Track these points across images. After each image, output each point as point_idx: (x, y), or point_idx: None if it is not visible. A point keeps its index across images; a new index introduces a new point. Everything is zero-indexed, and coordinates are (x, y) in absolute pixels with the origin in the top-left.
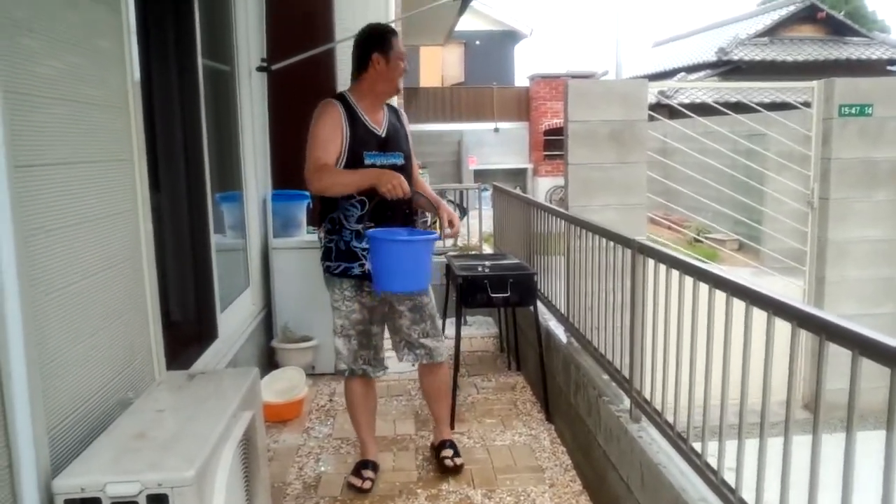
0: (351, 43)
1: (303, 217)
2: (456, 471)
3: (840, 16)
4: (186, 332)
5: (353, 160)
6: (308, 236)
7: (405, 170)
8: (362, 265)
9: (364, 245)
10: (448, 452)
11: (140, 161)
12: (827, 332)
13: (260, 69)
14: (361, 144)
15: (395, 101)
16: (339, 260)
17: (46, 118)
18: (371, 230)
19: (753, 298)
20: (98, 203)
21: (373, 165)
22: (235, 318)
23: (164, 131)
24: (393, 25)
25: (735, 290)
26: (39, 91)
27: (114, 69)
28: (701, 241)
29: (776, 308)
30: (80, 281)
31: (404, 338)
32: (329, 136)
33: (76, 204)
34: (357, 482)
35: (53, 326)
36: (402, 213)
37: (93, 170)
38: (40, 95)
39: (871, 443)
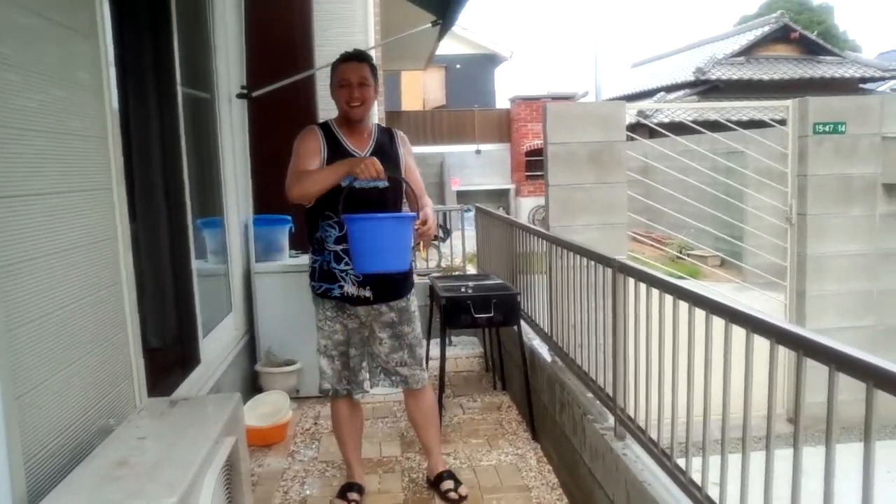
0: (330, 69)
1: (285, 241)
2: (460, 501)
3: (813, 36)
4: (168, 358)
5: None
6: (290, 260)
7: (388, 192)
8: (342, 287)
9: (342, 267)
10: (449, 484)
11: (119, 189)
12: (804, 348)
13: (240, 96)
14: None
15: (376, 120)
16: (321, 280)
17: (24, 150)
18: (347, 214)
19: (732, 316)
20: (77, 232)
21: (351, 187)
22: (218, 344)
23: (144, 159)
24: (371, 51)
25: (713, 307)
26: (17, 123)
27: (92, 100)
28: (683, 259)
29: (754, 325)
30: (58, 310)
31: (381, 364)
32: (308, 153)
33: (55, 233)
34: None
35: (31, 356)
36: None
37: (72, 199)
38: (18, 127)
39: (857, 454)
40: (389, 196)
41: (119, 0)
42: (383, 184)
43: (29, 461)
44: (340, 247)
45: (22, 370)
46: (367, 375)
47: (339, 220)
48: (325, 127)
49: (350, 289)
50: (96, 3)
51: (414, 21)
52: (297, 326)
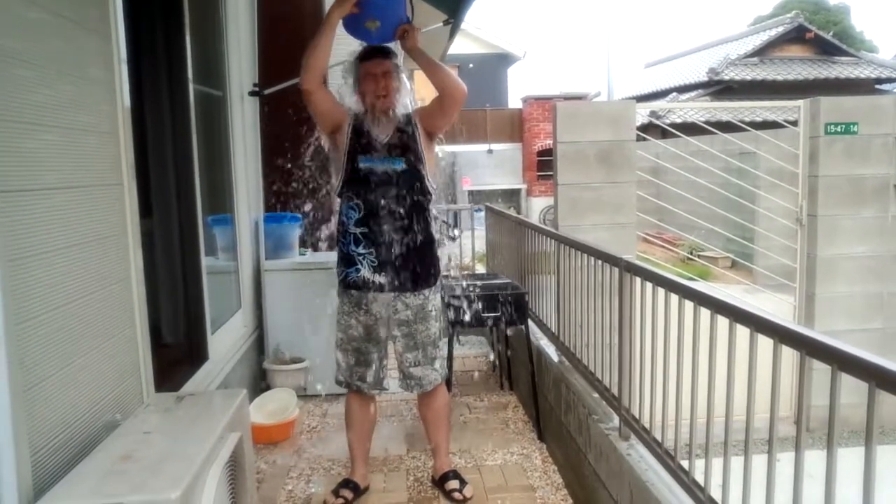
0: (341, 67)
1: (294, 239)
2: (465, 502)
3: (828, 36)
4: (177, 353)
5: (350, 163)
6: (299, 258)
7: (406, 174)
8: (358, 270)
9: (360, 250)
10: (454, 484)
11: (130, 185)
12: (807, 347)
13: (252, 93)
14: (357, 150)
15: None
16: (341, 265)
17: (36, 144)
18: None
19: (736, 316)
20: (87, 227)
21: (369, 169)
22: (227, 340)
23: (156, 155)
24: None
25: (718, 307)
26: (30, 118)
27: (104, 96)
28: (693, 260)
29: (758, 325)
30: (67, 304)
31: (400, 363)
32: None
33: (65, 228)
34: (330, 500)
35: (40, 349)
36: (399, 214)
37: (83, 194)
38: (31, 122)
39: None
40: (405, 176)
41: None
42: (401, 166)
43: (35, 454)
44: (360, 229)
45: (30, 363)
46: (387, 374)
47: (360, 202)
48: (355, 115)
49: (366, 272)
50: (109, 0)
51: (426, 20)
52: (305, 324)
